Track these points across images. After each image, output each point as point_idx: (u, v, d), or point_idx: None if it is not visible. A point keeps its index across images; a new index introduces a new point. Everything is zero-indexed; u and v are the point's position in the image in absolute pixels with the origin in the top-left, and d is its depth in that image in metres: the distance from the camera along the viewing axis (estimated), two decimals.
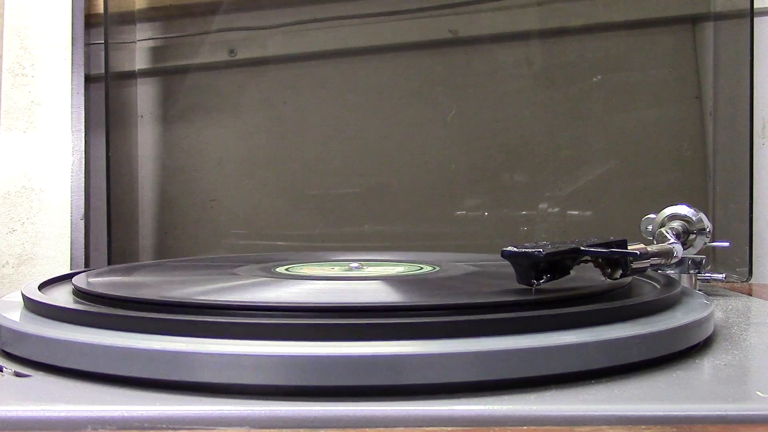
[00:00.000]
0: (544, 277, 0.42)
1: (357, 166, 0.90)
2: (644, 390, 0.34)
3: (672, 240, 0.56)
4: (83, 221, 0.81)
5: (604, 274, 0.45)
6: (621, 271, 0.44)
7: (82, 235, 0.81)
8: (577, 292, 0.43)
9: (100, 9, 0.87)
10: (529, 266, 0.42)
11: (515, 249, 0.42)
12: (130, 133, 0.92)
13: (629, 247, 0.45)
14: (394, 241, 0.88)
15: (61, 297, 0.47)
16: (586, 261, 0.44)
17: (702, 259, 0.61)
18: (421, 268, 0.55)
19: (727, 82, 0.83)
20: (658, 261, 0.50)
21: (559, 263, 0.43)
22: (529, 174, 0.88)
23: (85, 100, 0.83)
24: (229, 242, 0.91)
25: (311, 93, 0.91)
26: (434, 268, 0.55)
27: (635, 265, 0.44)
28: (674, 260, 0.52)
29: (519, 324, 0.36)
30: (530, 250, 0.41)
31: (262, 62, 0.92)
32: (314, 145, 0.91)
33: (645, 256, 0.46)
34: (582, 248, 0.43)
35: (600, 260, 0.44)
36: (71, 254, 0.80)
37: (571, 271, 0.44)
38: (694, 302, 0.45)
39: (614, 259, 0.44)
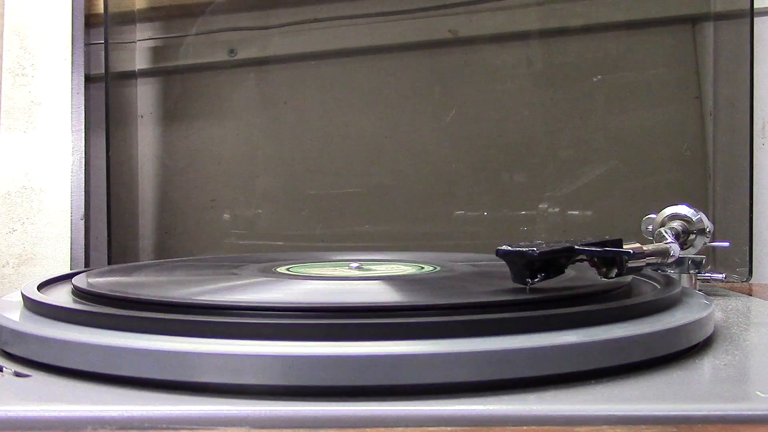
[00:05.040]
0: (539, 276, 0.42)
1: (357, 166, 0.90)
2: (644, 390, 0.34)
3: (670, 240, 0.56)
4: (83, 221, 0.81)
5: (600, 274, 0.45)
6: (616, 271, 0.44)
7: (82, 235, 0.81)
8: (577, 292, 0.43)
9: (100, 9, 0.87)
10: (523, 265, 0.42)
11: (509, 248, 0.42)
12: (130, 133, 0.92)
13: (624, 247, 0.45)
14: (394, 241, 0.88)
15: (61, 297, 0.47)
16: (582, 260, 0.44)
17: (702, 259, 0.61)
18: (421, 268, 0.55)
19: (727, 82, 0.83)
20: (654, 260, 0.50)
21: (553, 262, 0.43)
22: (529, 174, 0.88)
23: (85, 100, 0.83)
24: (229, 242, 0.91)
25: (311, 93, 0.91)
26: (434, 268, 0.55)
27: (631, 264, 0.44)
28: (671, 260, 0.52)
29: (519, 324, 0.36)
30: (524, 248, 0.41)
31: (262, 62, 0.92)
32: (314, 145, 0.91)
33: (640, 255, 0.46)
34: (576, 247, 0.43)
35: (595, 259, 0.44)
36: (71, 254, 0.80)
37: (568, 270, 0.44)
38: (694, 302, 0.45)
39: (609, 259, 0.44)
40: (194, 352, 0.33)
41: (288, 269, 0.55)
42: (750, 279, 0.78)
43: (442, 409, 0.31)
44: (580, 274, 0.48)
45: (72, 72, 0.83)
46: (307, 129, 0.91)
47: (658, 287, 0.50)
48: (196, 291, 0.48)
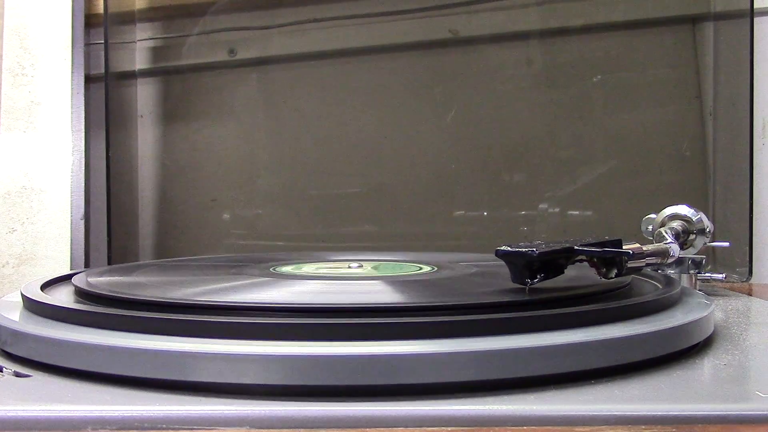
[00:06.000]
0: (538, 276, 0.42)
1: (357, 166, 0.90)
2: (644, 390, 0.34)
3: (669, 240, 0.56)
4: (83, 221, 0.81)
5: (600, 274, 0.45)
6: (616, 271, 0.44)
7: (82, 235, 0.81)
8: (577, 292, 0.43)
9: (100, 9, 0.87)
10: (522, 265, 0.42)
11: (509, 248, 0.42)
12: (130, 133, 0.92)
13: (624, 247, 0.45)
14: (394, 241, 0.88)
15: (61, 297, 0.47)
16: (582, 260, 0.44)
17: (702, 259, 0.61)
18: (421, 268, 0.55)
19: (727, 82, 0.83)
20: (654, 260, 0.50)
21: (552, 262, 0.43)
22: (529, 174, 0.88)
23: (85, 100, 0.83)
24: (229, 242, 0.91)
25: (311, 93, 0.91)
26: (434, 268, 0.55)
27: (630, 264, 0.44)
28: (671, 260, 0.52)
29: (519, 324, 0.36)
30: (524, 249, 0.41)
31: (262, 62, 0.92)
32: (314, 145, 0.91)
33: (639, 255, 0.46)
34: (575, 248, 0.43)
35: (595, 260, 0.44)
36: (71, 254, 0.80)
37: (566, 270, 0.44)
38: (694, 302, 0.45)
39: (609, 259, 0.44)
40: (194, 352, 0.33)
41: (288, 269, 0.55)
42: (750, 279, 0.78)
43: (442, 409, 0.31)
44: (580, 274, 0.48)
45: (72, 72, 0.83)
46: (307, 129, 0.91)
47: (659, 287, 0.50)
48: (196, 291, 0.48)
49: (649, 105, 0.86)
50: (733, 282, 0.77)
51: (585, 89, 0.87)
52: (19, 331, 0.39)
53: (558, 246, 0.43)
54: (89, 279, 0.50)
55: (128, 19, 0.92)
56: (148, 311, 0.39)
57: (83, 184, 0.81)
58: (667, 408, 0.31)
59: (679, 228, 0.60)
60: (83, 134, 0.82)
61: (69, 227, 0.80)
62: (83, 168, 0.82)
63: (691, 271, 0.61)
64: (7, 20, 0.83)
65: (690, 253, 0.61)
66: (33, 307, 0.43)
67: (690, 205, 0.62)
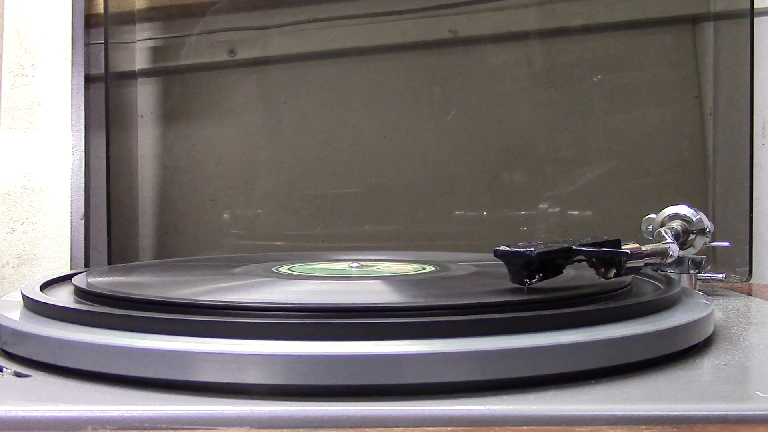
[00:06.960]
0: (537, 276, 0.42)
1: (357, 166, 0.90)
2: (644, 390, 0.34)
3: (669, 240, 0.56)
4: (83, 221, 0.81)
5: (598, 274, 0.45)
6: (615, 271, 0.44)
7: (82, 235, 0.81)
8: (577, 292, 0.43)
9: (100, 9, 0.87)
10: (521, 265, 0.42)
11: (507, 248, 0.42)
12: (130, 133, 0.92)
13: (622, 247, 0.45)
14: (394, 241, 0.88)
15: (61, 297, 0.47)
16: (581, 260, 0.44)
17: (702, 259, 0.61)
18: (422, 268, 0.55)
19: (727, 82, 0.83)
20: (653, 260, 0.50)
21: (551, 262, 0.43)
22: (529, 174, 0.88)
23: (85, 100, 0.83)
24: (229, 242, 0.91)
25: (311, 93, 0.91)
26: (434, 268, 0.55)
27: (629, 264, 0.44)
28: (670, 260, 0.52)
29: (519, 324, 0.36)
30: (522, 249, 0.41)
31: (262, 62, 0.92)
32: (314, 145, 0.91)
33: (638, 255, 0.46)
34: (574, 248, 0.43)
35: (594, 260, 0.44)
36: (71, 254, 0.80)
37: (566, 270, 0.44)
38: (694, 302, 0.45)
39: (608, 259, 0.44)
40: (194, 352, 0.33)
41: (288, 269, 0.55)
42: (750, 279, 0.78)
43: (442, 409, 0.31)
44: (580, 274, 0.48)
45: (72, 72, 0.83)
46: (307, 129, 0.91)
47: (658, 287, 0.50)
48: (196, 291, 0.48)
49: (649, 105, 0.86)
50: (733, 282, 0.77)
51: (585, 89, 0.87)
52: (19, 330, 0.39)
53: (556, 246, 0.43)
54: (89, 279, 0.50)
55: (128, 19, 0.92)
56: (148, 311, 0.39)
57: (83, 184, 0.81)
58: (667, 408, 0.31)
59: (679, 228, 0.60)
60: (83, 134, 0.82)
61: (69, 227, 0.80)
62: (83, 168, 0.82)
63: (691, 271, 0.61)
64: (7, 20, 0.83)
65: (690, 253, 0.61)
66: (33, 306, 0.43)
67: (690, 205, 0.62)
